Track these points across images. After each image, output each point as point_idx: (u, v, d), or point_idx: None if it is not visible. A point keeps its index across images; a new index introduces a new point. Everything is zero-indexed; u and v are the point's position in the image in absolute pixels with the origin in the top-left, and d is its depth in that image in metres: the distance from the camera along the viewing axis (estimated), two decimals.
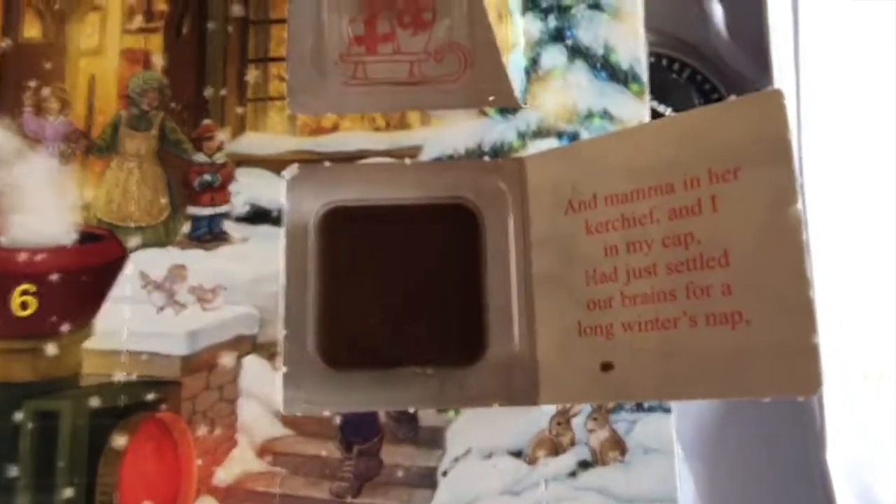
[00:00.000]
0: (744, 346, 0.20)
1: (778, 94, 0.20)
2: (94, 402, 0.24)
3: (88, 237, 0.25)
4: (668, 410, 0.24)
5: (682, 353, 0.21)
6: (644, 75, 0.26)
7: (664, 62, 0.38)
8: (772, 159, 0.20)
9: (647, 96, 0.26)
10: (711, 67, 0.38)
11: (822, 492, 0.31)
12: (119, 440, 0.24)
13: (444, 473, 0.24)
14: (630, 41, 0.26)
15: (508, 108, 0.26)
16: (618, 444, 0.24)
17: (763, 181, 0.20)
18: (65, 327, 0.24)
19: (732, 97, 0.21)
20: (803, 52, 0.34)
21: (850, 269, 0.32)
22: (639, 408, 0.24)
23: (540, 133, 0.26)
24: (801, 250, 0.19)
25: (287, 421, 0.24)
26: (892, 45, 0.35)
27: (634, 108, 0.26)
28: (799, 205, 0.19)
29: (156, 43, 0.26)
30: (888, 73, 0.35)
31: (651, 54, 0.38)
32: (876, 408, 0.32)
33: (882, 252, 0.33)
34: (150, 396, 0.24)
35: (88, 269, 0.25)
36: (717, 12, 0.37)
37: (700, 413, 0.35)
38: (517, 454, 0.24)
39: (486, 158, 0.26)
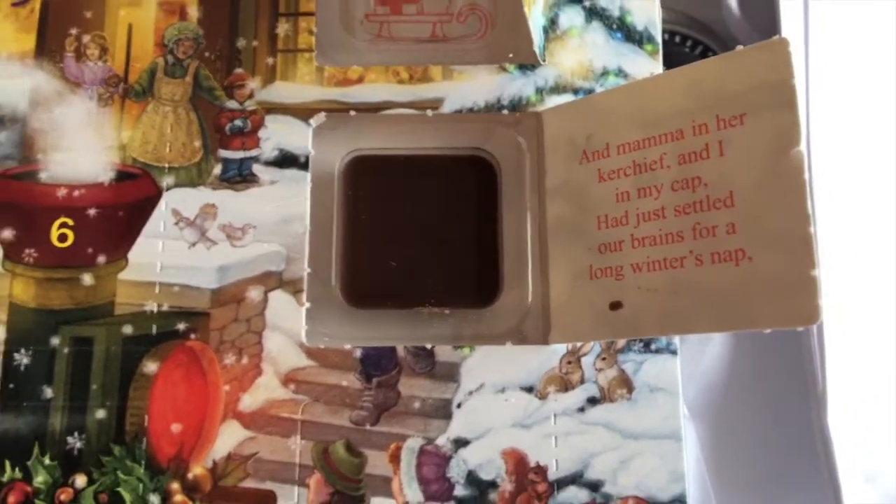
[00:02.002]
0: (746, 282, 0.21)
1: (783, 42, 0.21)
2: (128, 329, 0.25)
3: (124, 175, 0.26)
4: (674, 352, 0.25)
5: (687, 291, 0.22)
6: (658, 36, 0.27)
7: (677, 39, 0.39)
8: (777, 104, 0.21)
9: (661, 56, 0.27)
10: (723, 45, 0.39)
11: (823, 454, 0.32)
12: (150, 366, 0.25)
13: (459, 405, 0.25)
14: (646, 4, 0.28)
15: (528, 64, 0.27)
16: (625, 383, 0.25)
17: (768, 125, 0.21)
18: (101, 259, 0.26)
19: (739, 47, 0.22)
20: (813, 30, 0.35)
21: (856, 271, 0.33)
22: (646, 349, 0.25)
23: (557, 89, 0.27)
24: (804, 188, 0.20)
25: (310, 352, 0.25)
26: None
27: (648, 67, 0.27)
28: (802, 146, 0.20)
29: None
30: None
31: (665, 31, 0.39)
32: (876, 373, 0.33)
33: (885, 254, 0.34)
34: (181, 326, 0.25)
35: (124, 206, 0.26)
36: None
37: (705, 376, 0.36)
38: (528, 390, 0.25)
39: (505, 112, 0.27)
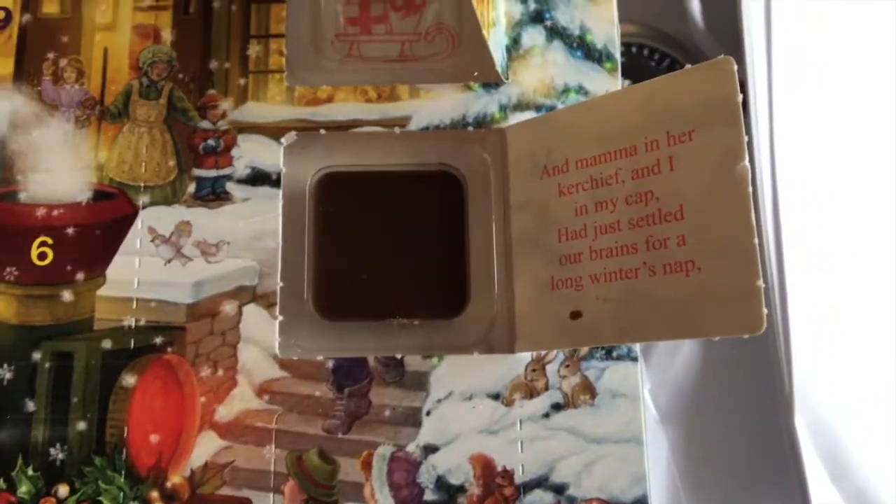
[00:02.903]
0: (695, 292, 0.22)
1: (728, 62, 0.22)
2: (107, 344, 0.26)
3: (101, 195, 0.27)
4: (635, 359, 0.26)
5: (641, 300, 0.23)
6: (617, 54, 0.28)
7: (645, 52, 0.40)
8: (723, 121, 0.22)
9: (619, 73, 0.28)
10: (688, 57, 0.40)
11: (790, 455, 0.33)
12: (129, 379, 0.26)
13: (428, 413, 0.26)
14: (605, 23, 0.29)
15: (492, 82, 0.28)
16: (588, 389, 0.26)
17: (715, 141, 0.22)
18: (80, 276, 0.26)
19: (688, 66, 0.23)
20: (775, 42, 0.36)
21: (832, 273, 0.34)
22: (608, 356, 0.26)
23: (520, 106, 0.28)
24: (748, 202, 0.21)
25: (283, 364, 0.26)
26: (859, 36, 0.37)
27: (608, 84, 0.28)
28: (746, 161, 0.21)
29: (165, 20, 0.29)
30: (856, 64, 0.37)
31: (632, 45, 0.40)
32: (841, 373, 0.34)
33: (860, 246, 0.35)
34: (158, 340, 0.26)
35: (101, 224, 0.27)
36: (695, 5, 0.39)
37: (676, 382, 0.36)
38: (495, 397, 0.26)
39: (470, 129, 0.28)
